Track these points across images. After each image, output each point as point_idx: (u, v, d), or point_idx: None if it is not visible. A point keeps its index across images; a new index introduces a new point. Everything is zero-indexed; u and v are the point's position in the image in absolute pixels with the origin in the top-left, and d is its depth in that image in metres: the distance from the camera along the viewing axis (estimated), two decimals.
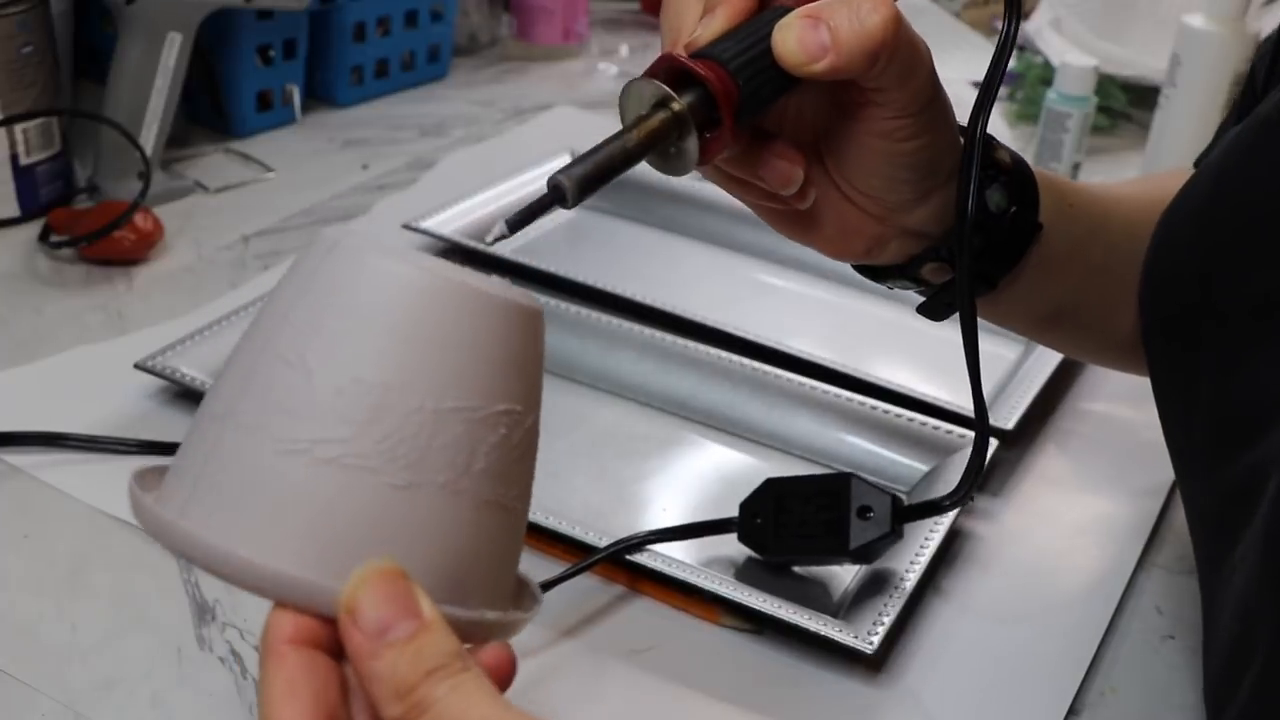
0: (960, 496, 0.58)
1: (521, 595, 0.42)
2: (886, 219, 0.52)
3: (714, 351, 0.78)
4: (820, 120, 0.51)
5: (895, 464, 0.73)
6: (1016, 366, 0.83)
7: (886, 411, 0.74)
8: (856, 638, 0.58)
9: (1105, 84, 1.22)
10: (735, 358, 0.78)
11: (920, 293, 0.57)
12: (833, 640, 0.59)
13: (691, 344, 0.79)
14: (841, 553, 0.61)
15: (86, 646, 0.58)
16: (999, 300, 0.57)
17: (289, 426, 0.35)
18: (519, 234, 1.10)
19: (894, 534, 0.60)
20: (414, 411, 0.36)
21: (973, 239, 0.52)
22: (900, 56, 0.45)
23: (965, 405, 0.76)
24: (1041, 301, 0.59)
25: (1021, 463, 0.76)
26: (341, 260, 0.37)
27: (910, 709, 0.58)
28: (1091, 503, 0.73)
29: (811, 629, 0.59)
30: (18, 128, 0.92)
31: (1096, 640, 0.63)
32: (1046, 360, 0.81)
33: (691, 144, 0.44)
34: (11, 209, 0.94)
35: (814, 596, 0.64)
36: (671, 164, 0.45)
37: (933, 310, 0.57)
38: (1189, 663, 0.62)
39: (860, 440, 0.74)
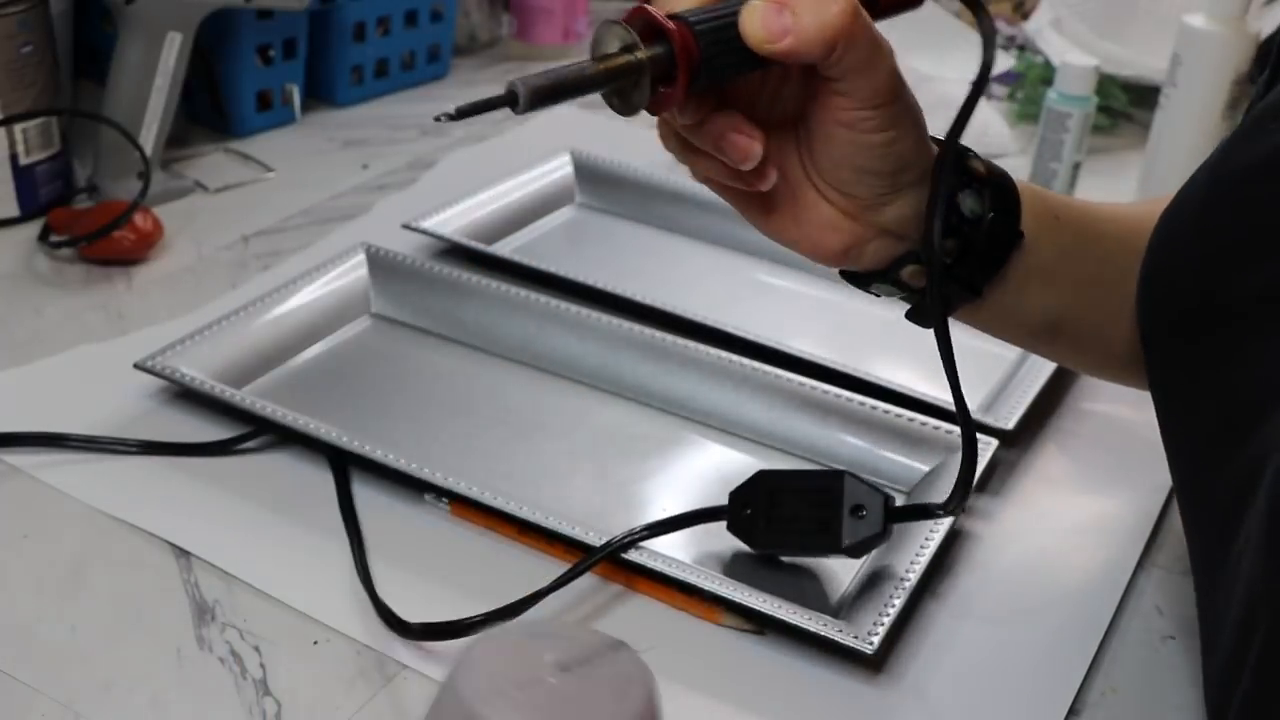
0: (953, 507, 0.59)
1: None
2: (860, 217, 0.53)
3: (714, 351, 0.78)
4: (797, 109, 0.53)
5: (895, 464, 0.73)
6: (1016, 367, 0.83)
7: (886, 411, 0.74)
8: (856, 638, 0.58)
9: (1106, 84, 1.22)
10: (735, 358, 0.78)
11: (904, 298, 0.58)
12: (833, 640, 0.59)
13: (691, 344, 0.79)
14: (833, 549, 0.62)
15: (86, 646, 0.58)
16: (990, 310, 0.58)
17: None
18: (519, 233, 1.10)
19: (884, 534, 0.61)
20: None
21: (945, 242, 0.53)
22: (858, 48, 0.48)
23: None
24: (1035, 312, 0.60)
25: (1021, 463, 0.76)
26: None
27: (910, 709, 0.58)
28: (1091, 503, 0.73)
29: (811, 629, 0.59)
30: (17, 127, 0.92)
31: (1096, 640, 0.63)
32: (1046, 361, 0.81)
33: (644, 89, 0.47)
34: (11, 209, 0.94)
35: (814, 596, 0.64)
36: (622, 103, 0.49)
37: (921, 315, 0.58)
38: (1189, 663, 0.62)
39: (860, 440, 0.74)
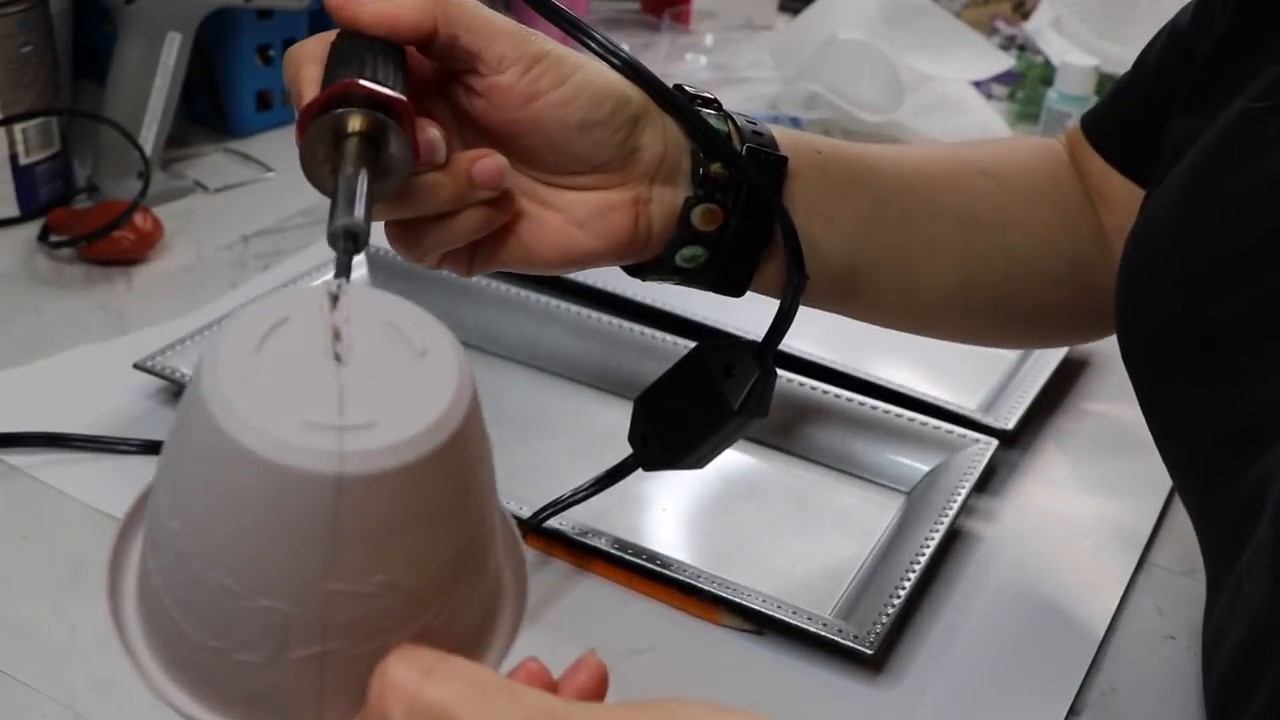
0: (794, 293, 0.56)
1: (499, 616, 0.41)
2: (625, 181, 0.53)
3: None
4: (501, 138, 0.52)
5: (895, 464, 0.73)
6: (1016, 367, 0.83)
7: (887, 411, 0.74)
8: (856, 638, 0.58)
9: (1106, 84, 1.21)
10: None
11: (682, 280, 0.57)
12: (833, 641, 0.59)
13: (692, 344, 0.78)
14: (728, 416, 0.57)
15: (86, 646, 0.58)
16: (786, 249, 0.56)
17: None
18: None
19: (766, 374, 0.57)
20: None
21: (713, 167, 0.53)
22: (456, 22, 0.50)
23: (965, 405, 0.77)
24: (830, 259, 0.58)
25: (1021, 463, 0.76)
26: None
27: (910, 709, 0.58)
28: (1091, 503, 0.73)
29: (811, 629, 0.59)
30: (17, 127, 0.92)
31: (1096, 640, 0.63)
32: (1046, 360, 0.81)
33: (398, 142, 0.45)
34: (11, 209, 0.94)
35: (814, 596, 0.64)
36: (392, 175, 0.46)
37: (710, 279, 0.57)
38: (1189, 663, 0.62)
39: (861, 440, 0.74)
